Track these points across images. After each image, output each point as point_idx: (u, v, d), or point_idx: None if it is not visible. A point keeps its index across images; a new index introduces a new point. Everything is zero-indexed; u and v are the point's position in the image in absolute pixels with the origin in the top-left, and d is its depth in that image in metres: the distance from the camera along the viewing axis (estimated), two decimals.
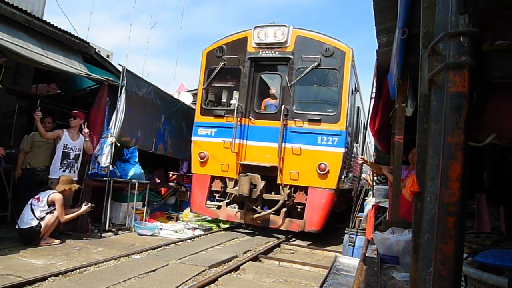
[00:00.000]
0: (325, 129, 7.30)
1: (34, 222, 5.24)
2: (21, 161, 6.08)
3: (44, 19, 6.73)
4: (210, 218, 8.62)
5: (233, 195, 7.58)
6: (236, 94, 8.12)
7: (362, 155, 10.80)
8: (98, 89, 7.05)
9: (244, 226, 8.04)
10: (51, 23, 6.50)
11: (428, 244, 1.28)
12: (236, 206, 8.08)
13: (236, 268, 5.04)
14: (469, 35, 1.27)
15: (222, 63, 8.04)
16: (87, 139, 6.37)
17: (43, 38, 6.27)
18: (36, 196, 5.46)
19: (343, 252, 6.00)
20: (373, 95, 5.64)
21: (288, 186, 7.39)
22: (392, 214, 3.92)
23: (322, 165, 7.12)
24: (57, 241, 5.55)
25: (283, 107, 7.43)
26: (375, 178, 7.83)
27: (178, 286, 4.13)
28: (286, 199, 7.26)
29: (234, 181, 7.64)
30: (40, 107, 6.19)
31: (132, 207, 7.35)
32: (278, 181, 7.45)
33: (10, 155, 6.16)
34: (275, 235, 7.77)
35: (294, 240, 7.76)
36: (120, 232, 6.88)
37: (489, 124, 1.43)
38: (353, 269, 4.15)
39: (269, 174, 7.39)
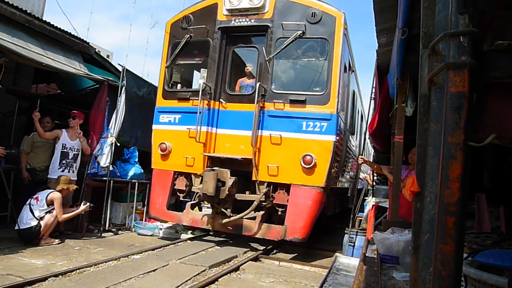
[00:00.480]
0: (311, 112, 5.95)
1: (34, 222, 5.24)
2: (24, 163, 6.10)
3: (44, 19, 6.74)
4: None
5: (198, 194, 6.47)
6: (204, 73, 6.74)
7: (361, 152, 10.62)
8: (98, 89, 7.06)
9: (212, 233, 6.64)
10: (51, 23, 6.51)
11: (428, 244, 1.28)
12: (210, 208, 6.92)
13: (236, 268, 5.04)
14: (469, 35, 1.27)
15: (188, 36, 6.66)
16: (82, 140, 6.41)
17: (43, 38, 6.27)
18: (35, 196, 5.46)
19: (343, 252, 6.00)
20: (374, 96, 5.65)
21: (265, 184, 6.08)
22: (392, 214, 3.92)
23: (308, 157, 5.79)
24: (57, 241, 5.56)
25: (258, 85, 6.01)
26: (375, 178, 7.82)
27: (178, 286, 4.13)
28: (263, 199, 5.95)
29: (200, 177, 6.26)
30: (38, 107, 6.20)
31: (132, 207, 7.36)
32: (254, 178, 6.12)
33: (10, 155, 6.17)
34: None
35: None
36: (120, 232, 6.89)
37: (489, 124, 1.43)
38: (353, 269, 4.14)
39: (244, 169, 6.16)
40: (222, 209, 6.14)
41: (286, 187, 5.99)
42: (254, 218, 6.06)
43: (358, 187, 11.04)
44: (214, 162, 6.32)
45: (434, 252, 1.24)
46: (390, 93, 3.95)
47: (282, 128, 6.08)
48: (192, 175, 6.50)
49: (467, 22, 1.28)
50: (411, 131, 2.12)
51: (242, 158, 6.04)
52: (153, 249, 5.69)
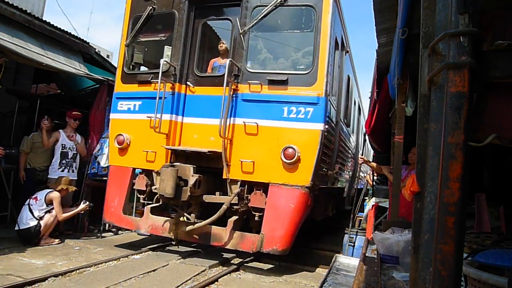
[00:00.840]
0: (295, 95, 4.96)
1: (33, 222, 5.24)
2: (23, 163, 6.12)
3: (44, 19, 6.75)
4: None
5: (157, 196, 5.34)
6: (168, 51, 5.69)
7: (360, 150, 10.49)
8: (98, 89, 7.06)
9: (174, 243, 5.53)
10: (51, 23, 6.52)
11: (428, 244, 1.28)
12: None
13: (236, 268, 5.05)
14: (469, 35, 1.27)
15: (150, 8, 5.69)
16: (76, 143, 6.44)
17: (43, 38, 6.29)
18: (34, 196, 5.47)
19: (343, 252, 6.00)
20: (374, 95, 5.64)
21: (238, 183, 5.10)
22: (392, 214, 3.92)
23: (290, 150, 4.82)
24: (57, 241, 5.56)
25: (228, 62, 5.01)
26: (375, 178, 7.83)
27: (178, 286, 4.13)
28: (235, 202, 5.01)
29: None
30: (46, 116, 6.24)
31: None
32: (224, 175, 5.16)
33: (10, 155, 6.18)
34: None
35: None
36: (120, 232, 6.88)
37: (489, 124, 1.43)
38: (353, 269, 4.14)
39: (214, 165, 5.23)
40: (186, 214, 5.22)
41: (264, 187, 5.02)
42: (223, 224, 5.14)
43: (358, 187, 11.03)
44: (178, 156, 5.40)
45: (434, 252, 1.24)
46: (390, 93, 3.95)
47: (258, 114, 5.10)
48: (153, 173, 5.43)
49: (467, 22, 1.28)
50: (411, 131, 2.12)
51: (209, 152, 5.07)
52: (153, 249, 5.69)
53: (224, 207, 4.93)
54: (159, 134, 5.35)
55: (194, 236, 5.18)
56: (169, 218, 5.36)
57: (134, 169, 5.71)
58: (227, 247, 5.04)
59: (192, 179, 4.86)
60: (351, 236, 5.97)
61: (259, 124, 5.07)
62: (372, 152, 11.07)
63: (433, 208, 1.28)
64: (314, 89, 4.93)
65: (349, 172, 8.90)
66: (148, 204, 5.64)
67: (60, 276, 4.05)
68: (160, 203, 5.50)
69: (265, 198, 4.97)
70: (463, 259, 1.68)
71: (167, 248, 5.87)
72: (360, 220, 7.02)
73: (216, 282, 4.42)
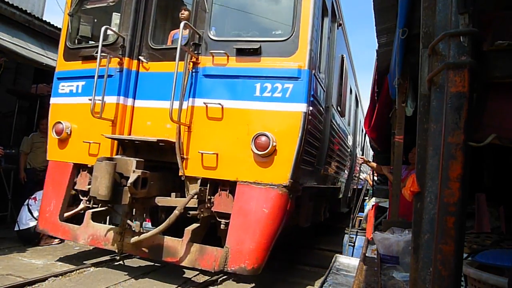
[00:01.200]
0: (269, 67, 3.95)
1: (33, 223, 5.24)
2: (23, 164, 6.13)
3: (44, 19, 6.76)
4: None
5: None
6: (116, 19, 4.71)
7: (359, 146, 10.36)
8: None
9: (119, 258, 4.69)
10: (51, 23, 6.53)
11: (428, 244, 1.28)
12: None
13: None
14: (469, 35, 1.27)
15: None
16: None
17: (43, 38, 6.30)
18: (33, 196, 5.47)
19: (343, 252, 6.00)
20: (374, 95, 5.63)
21: (198, 181, 4.11)
22: (392, 214, 3.92)
23: (263, 139, 3.81)
24: (56, 240, 5.56)
25: (182, 25, 3.97)
26: (375, 178, 7.83)
27: (178, 286, 4.14)
28: (193, 205, 4.04)
29: None
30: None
31: None
32: (180, 172, 4.12)
33: (10, 155, 6.18)
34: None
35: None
36: None
37: (489, 124, 1.43)
38: (353, 269, 4.14)
39: (169, 159, 4.21)
40: (129, 222, 4.23)
41: (231, 187, 4.01)
42: (180, 235, 4.10)
43: (358, 187, 11.02)
44: (127, 149, 4.45)
45: (434, 252, 1.24)
46: (390, 93, 3.95)
47: (224, 94, 4.09)
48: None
49: (467, 22, 1.28)
50: (411, 131, 2.12)
51: (159, 141, 4.08)
52: None
53: (175, 212, 3.91)
54: (103, 121, 4.37)
55: (143, 249, 4.13)
56: (113, 227, 4.42)
57: (75, 165, 4.67)
58: (182, 264, 3.96)
59: (133, 175, 3.80)
60: (351, 236, 5.97)
61: (224, 106, 4.06)
62: (372, 152, 11.04)
63: (433, 208, 1.28)
64: (295, 60, 3.92)
65: (345, 169, 7.94)
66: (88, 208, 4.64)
67: (60, 276, 4.06)
68: (105, 207, 4.57)
69: (233, 201, 3.97)
70: (463, 259, 1.68)
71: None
72: (360, 220, 7.02)
73: (216, 282, 4.42)
